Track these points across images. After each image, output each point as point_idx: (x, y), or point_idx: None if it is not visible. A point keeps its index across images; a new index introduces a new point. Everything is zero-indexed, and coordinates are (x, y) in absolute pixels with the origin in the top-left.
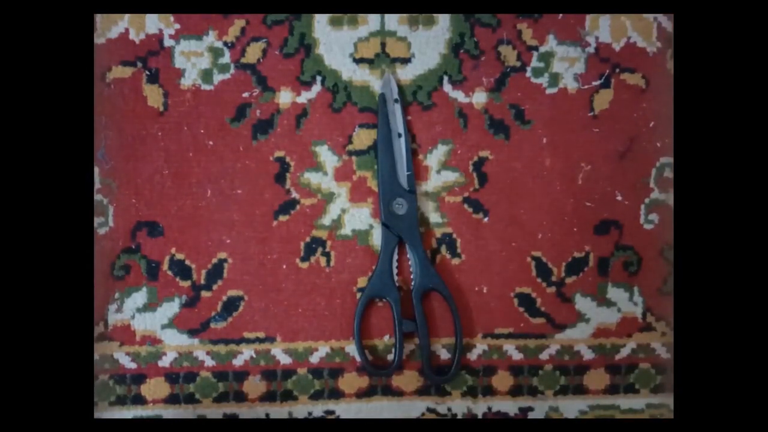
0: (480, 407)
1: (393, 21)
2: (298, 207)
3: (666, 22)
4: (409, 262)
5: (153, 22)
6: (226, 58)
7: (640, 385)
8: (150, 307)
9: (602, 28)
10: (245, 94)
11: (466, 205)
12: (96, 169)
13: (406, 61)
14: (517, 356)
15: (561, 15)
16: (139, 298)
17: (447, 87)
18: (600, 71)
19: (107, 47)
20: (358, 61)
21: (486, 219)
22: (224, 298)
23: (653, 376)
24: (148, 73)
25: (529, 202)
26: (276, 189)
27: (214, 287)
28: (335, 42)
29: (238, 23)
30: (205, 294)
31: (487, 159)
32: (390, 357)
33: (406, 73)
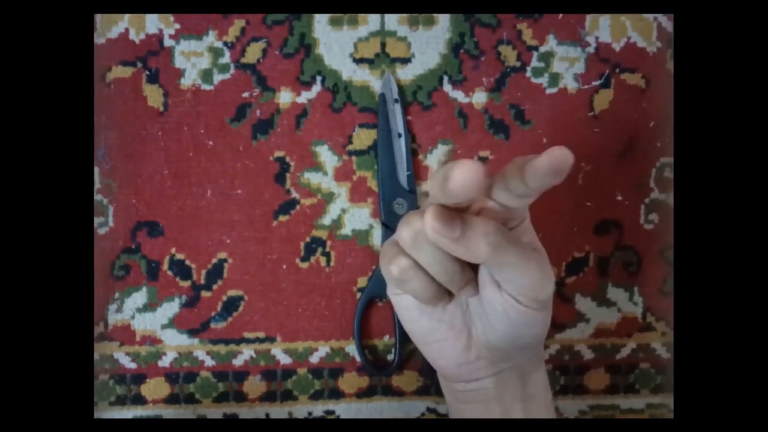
0: None
1: (393, 21)
2: (298, 207)
3: (666, 22)
4: None
5: (153, 22)
6: (226, 58)
7: (640, 385)
8: (150, 307)
9: (602, 28)
10: (245, 94)
11: None
12: (96, 169)
13: (406, 61)
14: None
15: (561, 15)
16: (139, 298)
17: (447, 87)
18: (600, 71)
19: (107, 47)
20: (358, 61)
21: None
22: (224, 298)
23: (653, 376)
24: (148, 73)
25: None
26: (276, 189)
27: (214, 287)
28: (335, 42)
29: (238, 23)
30: (205, 294)
31: (487, 159)
32: (390, 357)
33: (406, 73)
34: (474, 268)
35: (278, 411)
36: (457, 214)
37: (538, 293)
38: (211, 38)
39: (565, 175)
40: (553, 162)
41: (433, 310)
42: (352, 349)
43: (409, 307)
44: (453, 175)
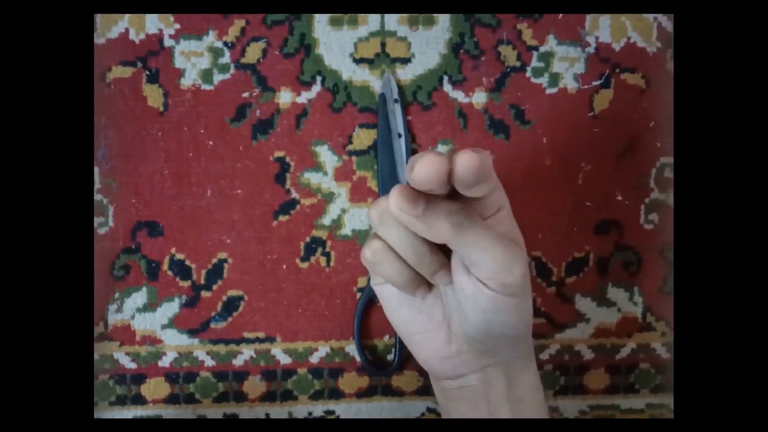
0: None
1: (393, 21)
2: (298, 207)
3: (666, 22)
4: None
5: (153, 22)
6: (226, 58)
7: (640, 385)
8: (150, 307)
9: (602, 28)
10: (245, 94)
11: None
12: (96, 169)
13: (406, 61)
14: None
15: (561, 15)
16: (139, 298)
17: (447, 87)
18: (600, 71)
19: (107, 47)
20: (358, 61)
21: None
22: (224, 298)
23: (653, 376)
24: (148, 73)
25: (529, 202)
26: (276, 189)
27: (214, 287)
28: (335, 42)
29: (238, 23)
30: (205, 294)
31: None
32: (390, 357)
33: (406, 73)
34: (447, 255)
35: (278, 411)
36: (422, 194)
37: (505, 277)
38: (211, 38)
39: (484, 177)
40: (461, 170)
41: (413, 300)
42: (352, 349)
43: (389, 297)
44: (415, 168)
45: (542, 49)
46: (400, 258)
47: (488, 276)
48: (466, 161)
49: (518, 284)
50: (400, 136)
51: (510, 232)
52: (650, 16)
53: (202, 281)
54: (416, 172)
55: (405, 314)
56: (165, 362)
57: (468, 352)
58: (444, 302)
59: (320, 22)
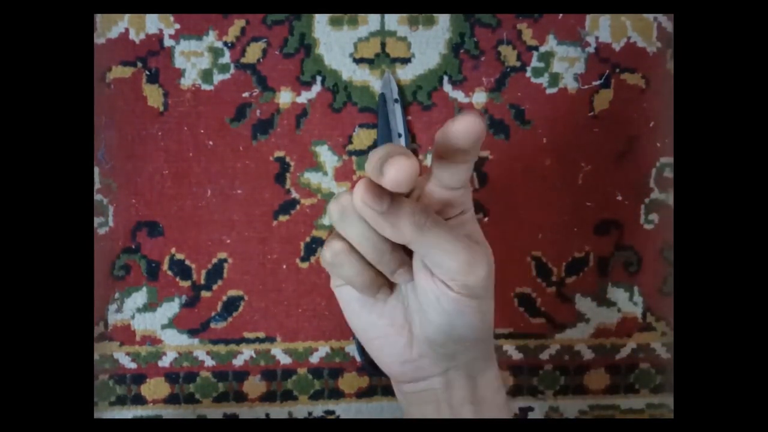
0: None
1: (393, 21)
2: (298, 207)
3: (666, 22)
4: None
5: (153, 22)
6: (226, 58)
7: (640, 385)
8: (150, 307)
9: (602, 28)
10: (245, 94)
11: None
12: (96, 169)
13: (406, 61)
14: (517, 356)
15: (561, 15)
16: (139, 298)
17: (447, 87)
18: (600, 71)
19: (107, 47)
20: (358, 61)
21: (486, 219)
22: (224, 298)
23: (653, 376)
24: (148, 73)
25: (529, 202)
26: (276, 189)
27: (214, 287)
28: (335, 42)
29: (238, 23)
30: (205, 294)
31: (487, 159)
32: None
33: (406, 73)
34: (409, 254)
35: (278, 411)
36: (387, 191)
37: (467, 278)
38: (211, 38)
39: (476, 141)
40: (464, 133)
41: (374, 304)
42: (352, 349)
43: (349, 300)
44: (387, 172)
45: (542, 49)
46: (362, 259)
47: (451, 277)
48: (470, 126)
49: (481, 285)
50: (400, 136)
51: (474, 234)
52: (650, 16)
53: (202, 281)
54: (388, 176)
55: (365, 318)
56: (165, 362)
57: (429, 356)
58: (405, 305)
59: (320, 22)
